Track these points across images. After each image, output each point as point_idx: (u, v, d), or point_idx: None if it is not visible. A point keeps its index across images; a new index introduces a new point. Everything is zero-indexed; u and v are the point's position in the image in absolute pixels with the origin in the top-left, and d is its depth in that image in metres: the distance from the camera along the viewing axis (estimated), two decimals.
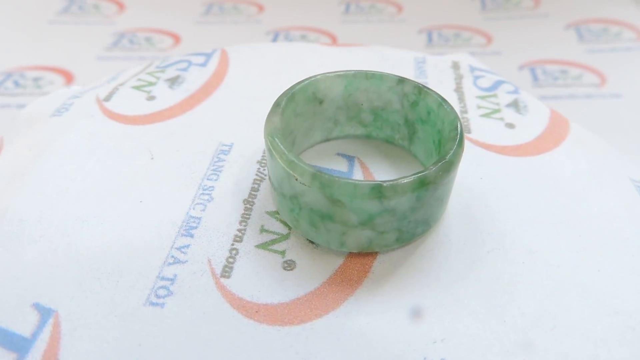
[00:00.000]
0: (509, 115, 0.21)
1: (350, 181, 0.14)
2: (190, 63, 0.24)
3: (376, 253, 0.16)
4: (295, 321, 0.14)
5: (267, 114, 0.16)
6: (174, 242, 0.16)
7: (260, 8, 0.42)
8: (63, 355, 0.13)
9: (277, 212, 0.17)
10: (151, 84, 0.22)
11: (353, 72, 0.18)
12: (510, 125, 0.20)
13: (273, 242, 0.16)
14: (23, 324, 0.14)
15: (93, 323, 0.14)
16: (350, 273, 0.15)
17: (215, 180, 0.18)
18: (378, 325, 0.14)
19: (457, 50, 0.36)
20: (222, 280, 0.15)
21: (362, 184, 0.14)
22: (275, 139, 0.15)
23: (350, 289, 0.15)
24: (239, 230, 0.16)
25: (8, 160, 0.19)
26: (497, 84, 0.23)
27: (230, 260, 0.16)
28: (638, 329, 0.14)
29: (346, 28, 0.39)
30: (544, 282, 0.15)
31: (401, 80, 0.18)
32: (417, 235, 0.16)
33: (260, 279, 0.15)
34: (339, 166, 0.19)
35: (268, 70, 0.23)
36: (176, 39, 0.38)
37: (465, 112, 0.21)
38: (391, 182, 0.14)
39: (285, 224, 0.17)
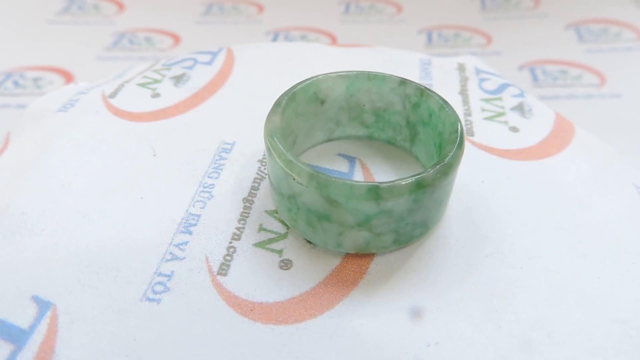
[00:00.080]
0: (514, 118, 0.21)
1: (347, 182, 0.14)
2: (196, 61, 0.24)
3: (373, 254, 0.16)
4: (290, 320, 0.14)
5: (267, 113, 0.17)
6: (173, 239, 0.16)
7: (260, 8, 0.42)
8: (59, 348, 0.13)
9: (276, 212, 0.17)
10: (157, 81, 0.23)
11: (355, 72, 0.18)
12: (514, 129, 0.20)
13: (271, 241, 0.16)
14: (22, 316, 0.14)
15: (90, 317, 0.14)
16: (347, 274, 0.15)
17: (216, 178, 0.18)
18: (372, 327, 0.14)
19: (456, 50, 0.36)
20: (219, 277, 0.15)
21: (359, 184, 0.14)
22: (275, 138, 0.15)
23: (345, 290, 0.15)
24: (238, 229, 0.17)
25: (14, 154, 0.19)
26: (503, 87, 0.22)
27: (228, 258, 0.16)
28: (637, 338, 0.14)
29: (346, 28, 0.39)
30: (542, 288, 0.15)
31: (403, 82, 0.18)
32: (415, 237, 0.16)
33: (257, 277, 0.15)
34: (340, 167, 0.19)
35: (273, 69, 0.23)
36: (176, 39, 0.38)
37: (469, 114, 0.21)
38: (388, 184, 0.14)
39: (283, 223, 0.17)
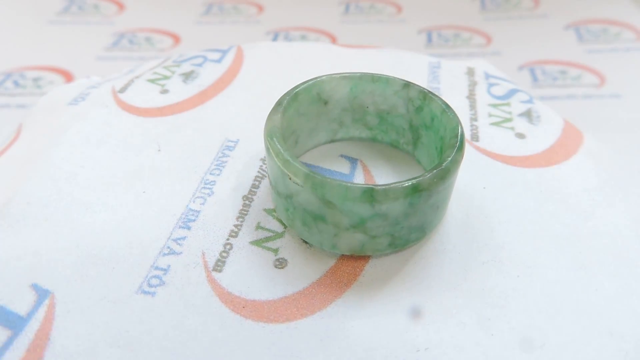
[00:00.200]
0: (521, 125, 0.20)
1: (342, 183, 0.14)
2: (205, 59, 0.24)
3: (369, 257, 0.16)
4: (281, 319, 0.14)
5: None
6: (171, 234, 0.16)
7: (260, 8, 0.42)
8: (54, 336, 0.14)
9: (274, 210, 0.17)
10: (166, 77, 0.23)
11: (359, 74, 0.18)
12: (521, 135, 0.20)
13: (267, 239, 0.16)
14: (20, 303, 0.14)
15: (86, 307, 0.14)
16: (341, 275, 0.15)
17: (218, 175, 0.18)
18: (362, 329, 0.14)
19: (456, 50, 0.36)
20: (214, 273, 0.15)
21: (354, 186, 0.14)
22: (273, 137, 0.15)
23: (338, 291, 0.15)
24: (236, 226, 0.17)
25: (24, 145, 0.20)
26: (512, 93, 0.22)
27: (224, 254, 0.16)
28: (632, 353, 0.14)
29: (346, 28, 0.39)
30: (537, 298, 0.15)
31: (407, 85, 0.18)
32: (411, 241, 0.16)
33: (251, 275, 0.15)
34: (341, 168, 0.19)
35: (281, 69, 0.24)
36: (176, 39, 0.38)
37: (476, 119, 0.21)
38: (383, 187, 0.14)
39: (281, 222, 0.17)
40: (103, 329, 0.14)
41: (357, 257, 0.16)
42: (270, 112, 0.17)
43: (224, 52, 0.24)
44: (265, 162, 0.19)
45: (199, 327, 0.14)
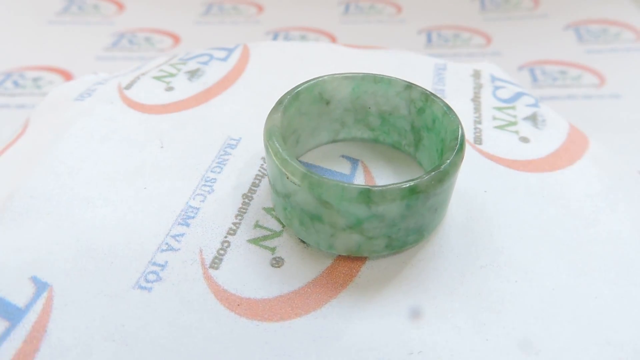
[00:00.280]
0: (525, 128, 0.20)
1: (339, 184, 0.14)
2: (211, 57, 0.24)
3: (365, 258, 0.16)
4: (275, 318, 0.14)
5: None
6: (170, 230, 0.16)
7: (260, 8, 0.42)
8: (51, 328, 0.14)
9: (273, 209, 0.17)
10: (172, 75, 0.23)
11: (361, 74, 0.18)
12: (525, 139, 0.20)
13: (265, 238, 0.16)
14: (19, 295, 0.15)
15: (83, 300, 0.15)
16: (337, 276, 0.15)
17: (219, 172, 0.18)
18: (356, 330, 0.14)
19: (456, 50, 0.35)
20: (211, 271, 0.15)
21: (351, 187, 0.14)
22: (272, 136, 0.15)
23: (334, 292, 0.15)
24: (234, 224, 0.17)
25: (29, 139, 0.20)
26: (517, 96, 0.22)
27: (221, 252, 0.16)
28: None
29: (346, 28, 0.39)
30: (534, 304, 0.15)
31: (409, 86, 0.18)
32: (408, 243, 0.16)
33: (247, 273, 0.15)
34: (342, 168, 0.19)
35: (286, 68, 0.24)
36: (176, 39, 0.38)
37: (480, 122, 0.21)
38: (380, 188, 0.14)
39: (279, 221, 0.17)
40: (99, 323, 0.14)
41: (354, 258, 0.16)
42: (271, 111, 0.17)
43: (230, 51, 0.25)
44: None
45: (193, 323, 0.14)
